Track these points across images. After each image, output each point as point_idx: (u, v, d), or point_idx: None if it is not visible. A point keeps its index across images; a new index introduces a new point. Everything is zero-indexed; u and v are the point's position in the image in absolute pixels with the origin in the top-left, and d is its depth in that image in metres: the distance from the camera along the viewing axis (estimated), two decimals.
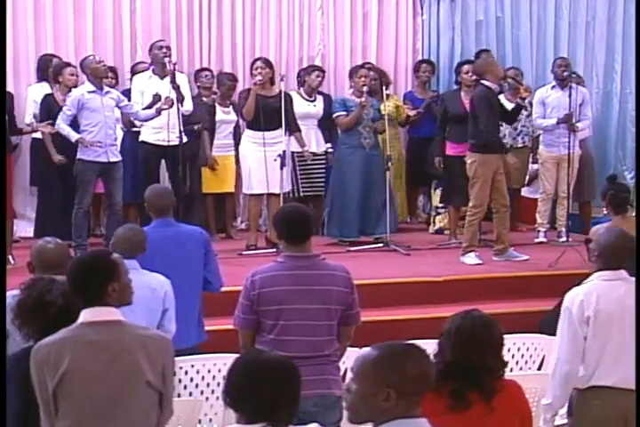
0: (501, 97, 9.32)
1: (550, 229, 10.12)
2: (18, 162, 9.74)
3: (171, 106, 8.84)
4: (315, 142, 10.15)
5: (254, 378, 3.13)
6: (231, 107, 10.07)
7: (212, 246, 6.41)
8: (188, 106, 9.31)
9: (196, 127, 9.68)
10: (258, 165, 9.34)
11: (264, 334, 4.86)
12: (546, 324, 7.31)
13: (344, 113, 9.66)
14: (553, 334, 6.42)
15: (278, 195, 9.32)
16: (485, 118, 8.81)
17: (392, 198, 9.71)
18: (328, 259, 5.11)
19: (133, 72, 9.98)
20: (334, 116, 9.80)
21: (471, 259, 8.81)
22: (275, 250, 8.58)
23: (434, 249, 9.63)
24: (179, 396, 5.28)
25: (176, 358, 4.13)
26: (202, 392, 5.47)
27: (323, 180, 10.18)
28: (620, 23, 11.41)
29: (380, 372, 2.94)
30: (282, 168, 9.23)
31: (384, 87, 9.95)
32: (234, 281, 7.04)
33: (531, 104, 10.17)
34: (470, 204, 8.86)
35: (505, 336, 3.96)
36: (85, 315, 3.82)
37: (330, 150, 10.18)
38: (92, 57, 9.02)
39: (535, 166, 10.55)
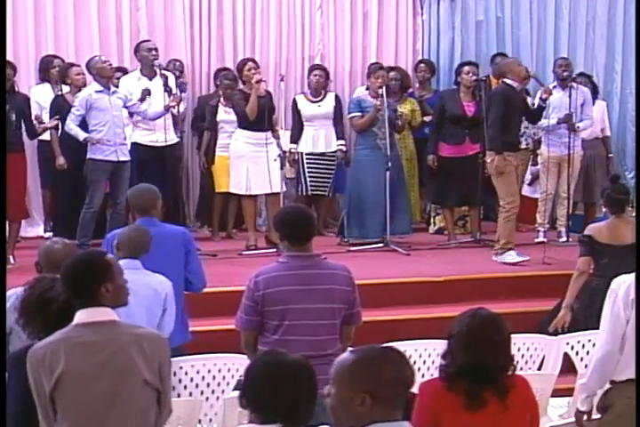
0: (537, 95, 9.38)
1: (550, 229, 10.12)
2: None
3: (178, 103, 8.95)
4: (324, 143, 10.08)
5: (272, 379, 3.15)
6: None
7: (194, 246, 6.39)
8: (181, 107, 9.41)
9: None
10: (256, 165, 9.32)
11: (267, 335, 4.86)
12: (546, 324, 7.32)
13: (359, 114, 9.59)
14: (553, 333, 6.47)
15: (278, 194, 9.32)
16: (494, 115, 8.85)
17: (401, 199, 9.70)
18: (329, 259, 5.11)
19: None
20: (349, 117, 9.77)
21: (512, 257, 8.69)
22: (275, 250, 8.59)
23: (434, 249, 9.62)
24: (178, 396, 5.29)
25: (176, 358, 4.14)
26: (202, 392, 5.47)
27: (330, 180, 10.14)
28: (620, 23, 11.44)
29: (355, 377, 2.95)
30: (282, 168, 9.24)
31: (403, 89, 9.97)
32: (234, 281, 7.07)
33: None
34: (501, 201, 8.86)
35: None
36: (80, 316, 3.82)
37: (340, 148, 10.09)
38: (97, 57, 9.09)
39: (537, 166, 10.55)
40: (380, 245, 9.38)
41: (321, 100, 10.13)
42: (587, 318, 6.51)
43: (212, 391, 5.47)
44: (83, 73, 9.28)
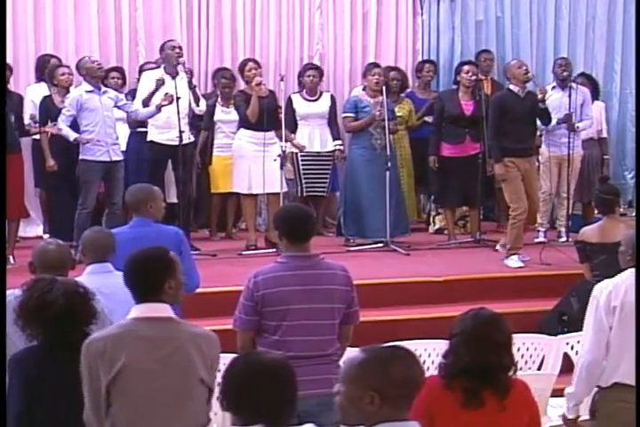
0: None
1: (550, 229, 10.12)
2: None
3: (170, 102, 8.82)
4: (319, 142, 10.07)
5: (250, 379, 3.13)
6: (232, 107, 10.02)
7: (187, 247, 6.31)
8: (202, 105, 9.36)
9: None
10: (258, 164, 9.33)
11: (266, 336, 4.83)
12: (545, 324, 7.33)
13: (352, 115, 9.59)
14: (552, 334, 6.47)
15: (278, 194, 9.32)
16: (489, 122, 8.99)
17: (401, 199, 9.69)
18: (328, 259, 5.11)
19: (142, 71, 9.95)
20: (342, 116, 9.77)
21: (514, 262, 8.77)
22: (275, 250, 8.59)
23: (434, 249, 9.62)
24: None
25: None
26: None
27: (326, 180, 10.13)
28: (620, 23, 11.44)
29: (364, 375, 2.94)
30: (282, 168, 9.24)
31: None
32: (234, 281, 7.05)
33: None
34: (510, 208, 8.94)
35: None
36: (138, 310, 3.86)
37: (338, 148, 10.08)
38: (86, 57, 9.08)
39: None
40: (380, 245, 9.38)
41: (316, 100, 10.11)
42: None
43: None
44: (69, 73, 9.27)
